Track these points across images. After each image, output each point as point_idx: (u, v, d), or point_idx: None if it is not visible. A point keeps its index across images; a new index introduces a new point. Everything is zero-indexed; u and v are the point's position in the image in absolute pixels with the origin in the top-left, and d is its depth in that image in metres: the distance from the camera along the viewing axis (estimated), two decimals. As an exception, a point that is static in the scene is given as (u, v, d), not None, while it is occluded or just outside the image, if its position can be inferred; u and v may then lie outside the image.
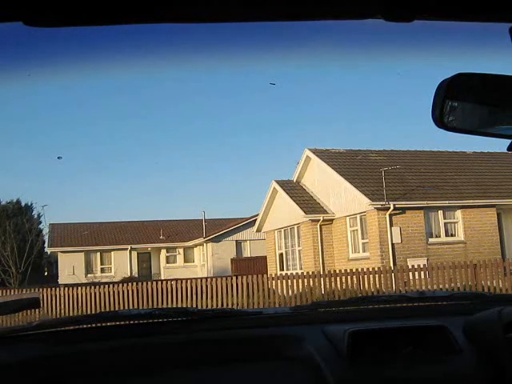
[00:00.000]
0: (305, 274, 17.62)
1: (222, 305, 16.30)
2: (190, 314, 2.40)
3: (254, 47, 1.44)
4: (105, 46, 1.45)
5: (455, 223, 20.03)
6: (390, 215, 19.03)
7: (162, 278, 27.16)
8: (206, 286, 16.87)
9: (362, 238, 20.07)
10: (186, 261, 37.42)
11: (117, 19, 1.05)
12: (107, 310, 15.86)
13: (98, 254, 35.94)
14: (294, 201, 22.09)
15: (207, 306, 15.76)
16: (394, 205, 18.95)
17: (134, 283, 17.64)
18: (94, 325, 2.26)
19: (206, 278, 18.96)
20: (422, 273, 16.54)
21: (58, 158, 45.07)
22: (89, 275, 33.89)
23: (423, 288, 15.97)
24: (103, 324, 2.28)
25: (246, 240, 34.80)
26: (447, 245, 19.56)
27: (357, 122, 55.15)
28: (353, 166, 21.50)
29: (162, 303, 16.56)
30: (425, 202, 19.55)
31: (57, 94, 49.20)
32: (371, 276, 16.47)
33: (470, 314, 2.13)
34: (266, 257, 25.38)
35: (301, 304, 13.27)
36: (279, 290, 16.84)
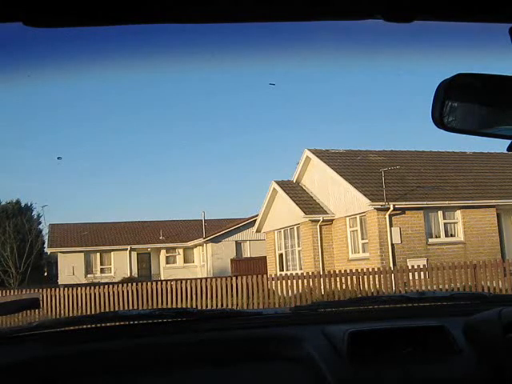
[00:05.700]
0: (305, 274, 17.62)
1: (222, 305, 16.30)
2: (189, 314, 2.40)
3: (254, 47, 1.44)
4: (105, 46, 1.45)
5: (455, 223, 20.02)
6: (390, 216, 19.04)
7: (162, 279, 27.15)
8: (206, 287, 16.88)
9: (362, 239, 20.07)
10: (185, 261, 37.42)
11: (117, 19, 1.05)
12: (107, 310, 15.85)
13: (98, 254, 35.94)
14: (294, 201, 22.08)
15: (207, 307, 15.77)
16: (394, 205, 18.95)
17: (134, 283, 17.65)
18: (93, 325, 2.25)
19: (206, 279, 18.96)
20: (422, 273, 16.55)
21: (58, 158, 45.11)
22: (88, 275, 33.89)
23: (423, 288, 15.97)
24: (103, 324, 2.28)
25: (245, 240, 34.81)
26: (447, 245, 19.56)
27: (357, 122, 55.20)
28: (353, 167, 21.49)
29: (162, 303, 16.56)
30: (425, 203, 19.55)
31: (57, 94, 49.24)
32: (371, 276, 16.48)
33: (470, 315, 2.13)
34: (265, 257, 25.37)
35: (301, 304, 13.26)
36: (279, 291, 16.84)
